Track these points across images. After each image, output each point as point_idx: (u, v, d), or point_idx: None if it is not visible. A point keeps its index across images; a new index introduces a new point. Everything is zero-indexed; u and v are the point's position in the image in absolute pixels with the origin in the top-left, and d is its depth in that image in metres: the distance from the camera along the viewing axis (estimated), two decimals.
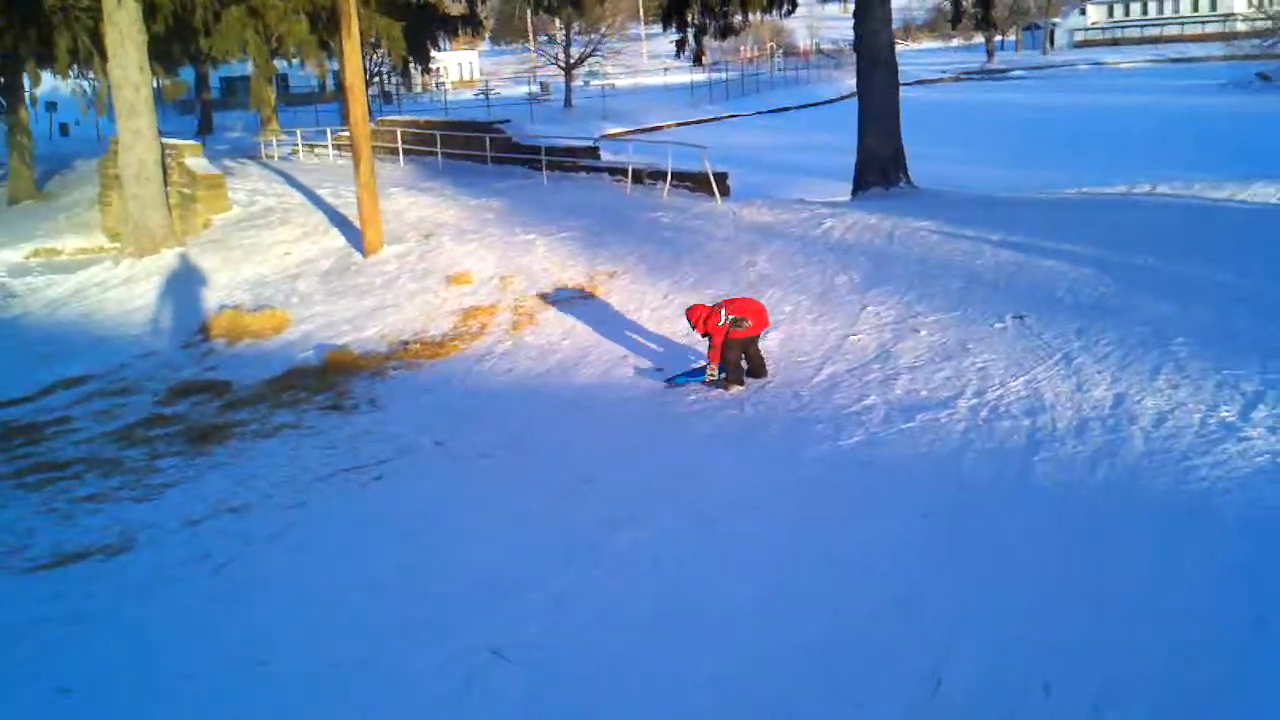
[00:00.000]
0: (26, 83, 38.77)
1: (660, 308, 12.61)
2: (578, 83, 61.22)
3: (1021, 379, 8.76)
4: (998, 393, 8.54)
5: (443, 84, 71.93)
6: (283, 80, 59.89)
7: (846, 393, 9.10)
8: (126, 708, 5.06)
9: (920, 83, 65.70)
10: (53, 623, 6.24)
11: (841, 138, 25.17)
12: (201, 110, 49.76)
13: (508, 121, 27.67)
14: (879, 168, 19.79)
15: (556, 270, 14.66)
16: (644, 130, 44.22)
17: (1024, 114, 44.71)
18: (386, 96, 56.36)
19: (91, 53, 30.52)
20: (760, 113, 56.00)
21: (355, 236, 18.27)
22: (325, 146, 31.68)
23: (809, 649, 5.02)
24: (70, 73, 36.35)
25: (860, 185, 20.01)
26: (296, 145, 32.54)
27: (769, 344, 10.59)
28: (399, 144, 27.47)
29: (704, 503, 7.06)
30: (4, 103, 37.16)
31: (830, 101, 59.23)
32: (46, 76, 39.94)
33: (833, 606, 5.40)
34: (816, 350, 10.44)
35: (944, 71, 78.57)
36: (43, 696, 5.28)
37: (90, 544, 7.51)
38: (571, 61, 59.43)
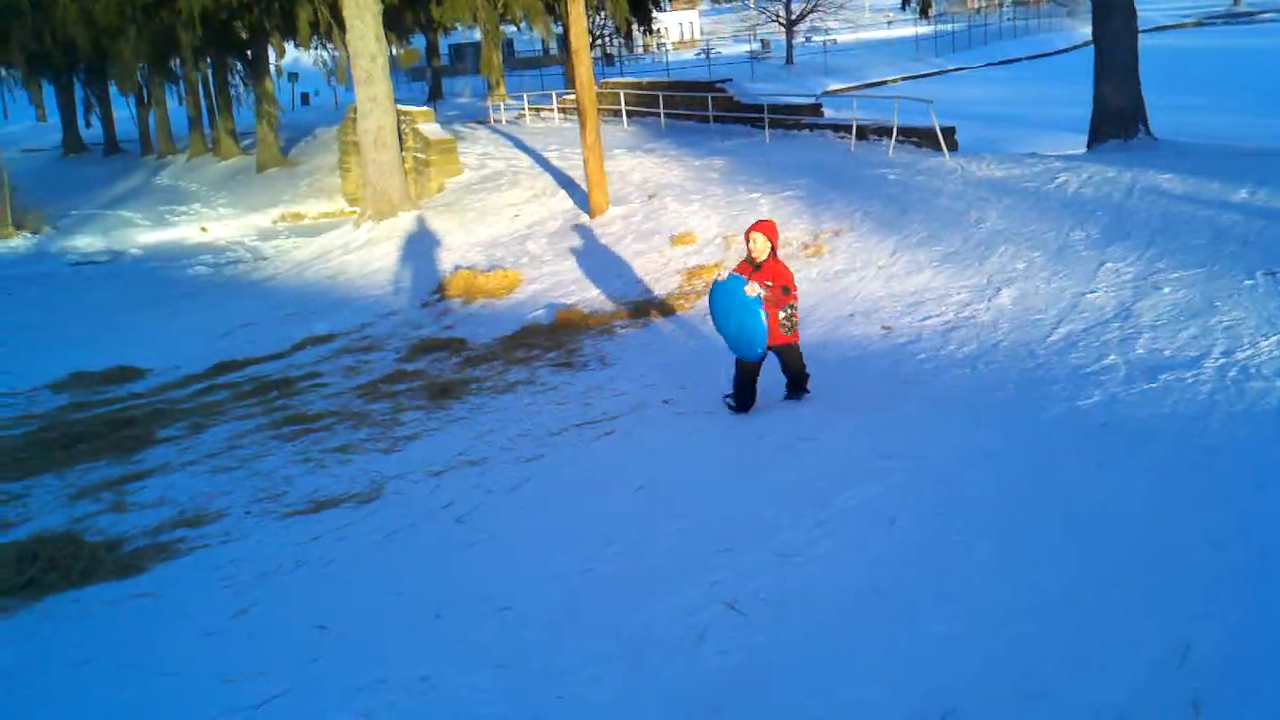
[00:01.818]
0: (271, 55, 40.74)
1: (887, 265, 12.45)
2: (799, 39, 60.57)
3: (1274, 339, 8.32)
4: (1247, 353, 8.14)
5: (664, 45, 72.33)
6: (509, 45, 61.29)
7: (1084, 352, 8.82)
8: (379, 644, 5.35)
9: (1159, 29, 62.43)
10: (311, 564, 6.64)
11: (1075, 89, 24.23)
12: (432, 77, 51.33)
13: (729, 80, 27.65)
14: (1116, 119, 18.96)
15: (780, 228, 14.62)
16: (867, 85, 43.53)
17: (1275, 61, 41.99)
18: (609, 59, 56.99)
19: (330, 25, 31.93)
20: (989, 64, 54.34)
21: (581, 198, 18.62)
22: (551, 110, 32.31)
23: (1046, 609, 4.93)
24: (311, 44, 38.08)
25: (1096, 138, 19.23)
26: (523, 109, 33.28)
27: (1002, 301, 10.33)
28: (622, 106, 27.78)
29: (935, 461, 6.98)
30: (252, 74, 39.08)
31: (1063, 51, 57.01)
32: (289, 49, 41.95)
33: (1072, 566, 5.28)
34: (1051, 308, 10.15)
35: (1185, 16, 74.43)
36: (304, 632, 5.62)
37: (342, 492, 7.96)
38: (792, 17, 58.79)
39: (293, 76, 58.10)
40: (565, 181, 20.40)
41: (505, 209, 19.81)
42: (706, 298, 9.24)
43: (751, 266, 8.31)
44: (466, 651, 5.08)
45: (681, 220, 16.09)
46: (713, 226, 15.44)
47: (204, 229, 30.88)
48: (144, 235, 30.66)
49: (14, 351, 15.91)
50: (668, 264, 14.47)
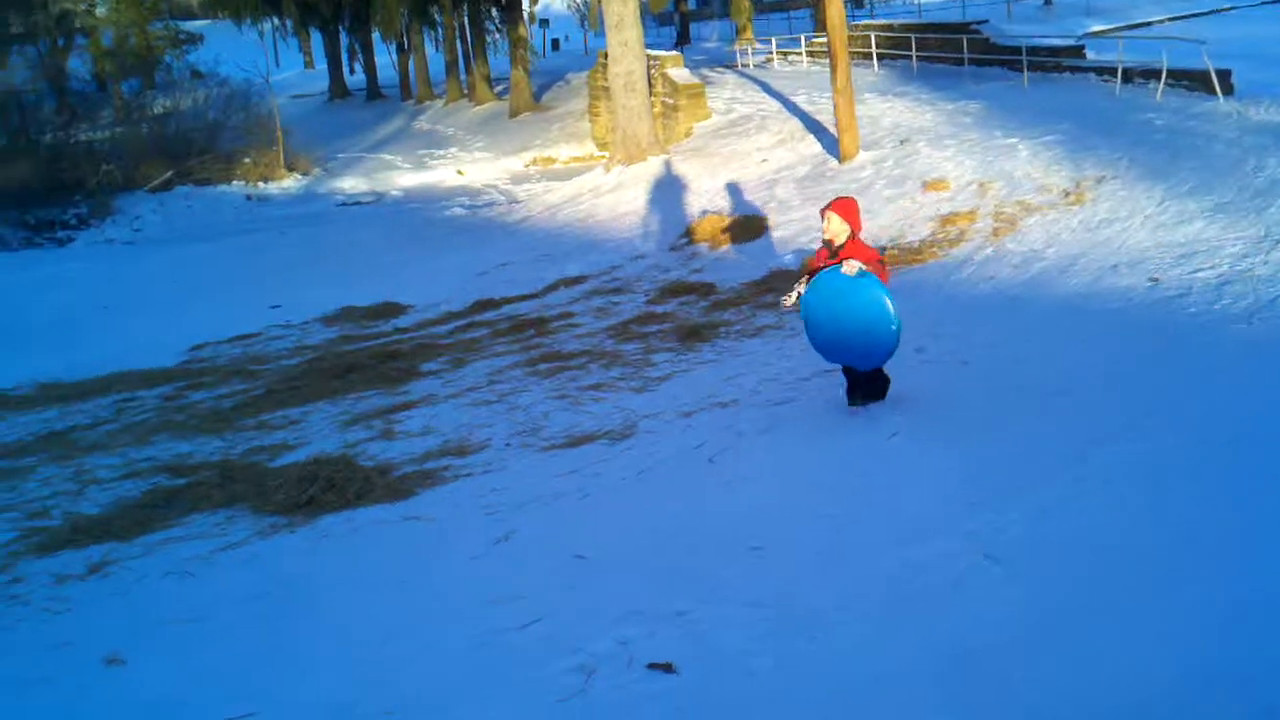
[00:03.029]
0: (525, 2, 41.53)
1: (1154, 215, 11.87)
2: None
3: None
4: None
5: None
6: None
7: None
8: (635, 576, 5.49)
9: None
10: (568, 497, 6.88)
11: None
12: (679, 22, 51.42)
13: (984, 22, 26.70)
14: None
15: (1039, 175, 14.12)
16: (1132, 26, 41.30)
17: None
18: (858, 1, 55.84)
19: None
20: (1265, 1, 50.77)
21: (830, 143, 18.40)
22: (799, 54, 31.92)
23: None
24: None
25: None
26: (770, 53, 32.99)
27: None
28: (873, 49, 27.23)
29: (1205, 423, 6.65)
30: (507, 20, 39.98)
31: None
32: None
33: None
34: None
35: None
36: (562, 561, 5.83)
37: (597, 429, 8.19)
38: None
39: (544, 23, 59.20)
40: (814, 126, 20.18)
41: (752, 154, 19.76)
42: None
43: (829, 251, 7.35)
44: (720, 589, 5.17)
45: (934, 166, 15.71)
46: (967, 173, 15.02)
47: (460, 172, 31.93)
48: (404, 178, 31.95)
49: (288, 286, 16.87)
50: (919, 210, 14.19)
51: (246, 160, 32.65)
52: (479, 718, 4.27)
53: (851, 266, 7.01)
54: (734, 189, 17.69)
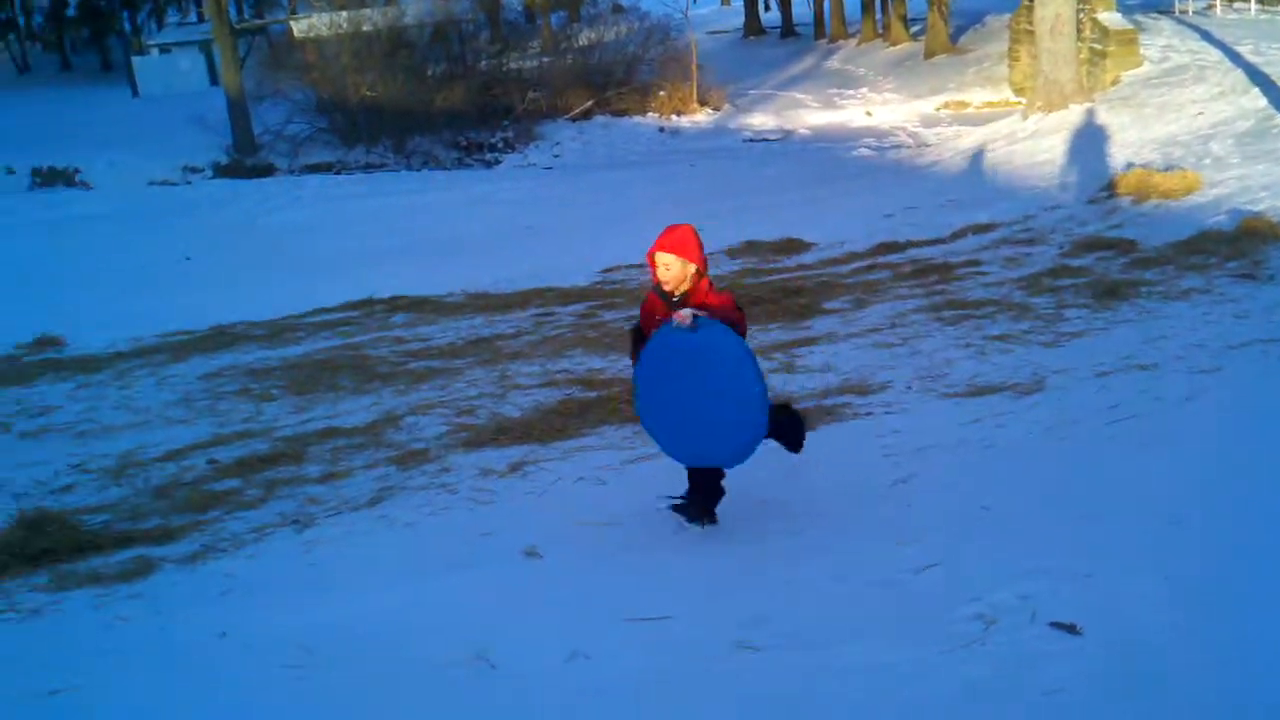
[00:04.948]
0: None
1: None
2: None
3: None
4: None
5: None
6: None
7: None
8: (1038, 533, 5.33)
9: None
10: (970, 445, 6.76)
11: None
12: None
13: None
14: None
15: None
16: None
17: None
18: None
19: None
20: None
21: (1278, 96, 16.91)
22: (1245, 0, 29.41)
23: None
24: None
25: None
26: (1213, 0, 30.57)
27: None
28: None
29: None
30: None
31: None
32: None
33: None
34: None
35: None
36: (961, 508, 5.74)
37: (1002, 380, 7.96)
38: None
39: None
40: (1260, 79, 18.53)
41: (1187, 105, 18.41)
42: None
43: (665, 302, 5.43)
44: (1131, 557, 4.94)
45: None
46: None
47: (869, 113, 31.64)
48: (812, 116, 32.01)
49: (694, 217, 17.23)
50: None
51: (661, 93, 33.69)
52: (885, 652, 4.30)
53: (683, 316, 5.20)
54: (1164, 142, 16.58)
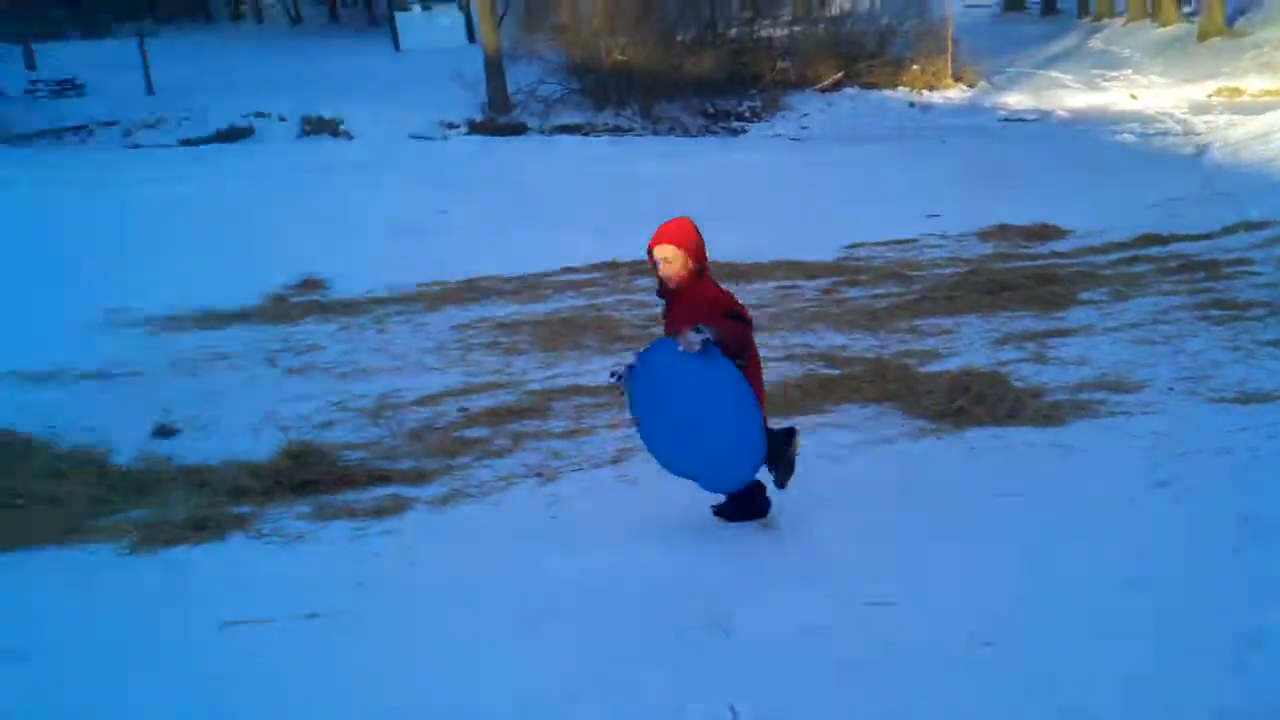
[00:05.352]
0: None
1: None
2: None
3: None
4: None
5: None
6: None
7: None
8: None
9: None
10: (1237, 454, 6.46)
11: None
12: None
13: None
14: None
15: None
16: None
17: None
18: None
19: None
20: None
21: None
22: None
23: None
24: None
25: None
26: None
27: None
28: None
29: None
30: None
31: None
32: None
33: None
34: None
35: None
36: (1223, 522, 5.52)
37: (1275, 388, 7.56)
38: None
39: None
40: None
41: None
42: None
43: (665, 300, 5.54)
44: None
45: None
46: None
47: (1133, 96, 30.23)
48: (1072, 97, 30.78)
49: (945, 196, 16.90)
50: None
51: (914, 67, 32.93)
52: (1127, 663, 4.22)
53: (689, 341, 5.02)
54: None
